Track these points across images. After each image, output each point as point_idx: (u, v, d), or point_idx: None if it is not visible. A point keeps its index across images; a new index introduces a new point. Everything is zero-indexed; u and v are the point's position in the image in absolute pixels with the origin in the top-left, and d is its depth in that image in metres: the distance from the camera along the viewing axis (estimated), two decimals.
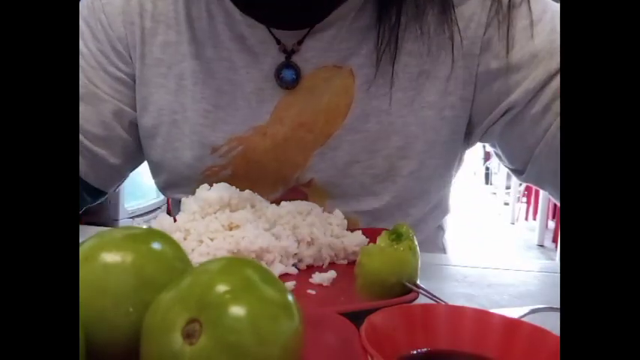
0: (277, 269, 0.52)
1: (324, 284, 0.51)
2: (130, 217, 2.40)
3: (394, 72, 0.63)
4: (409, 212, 0.68)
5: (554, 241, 3.70)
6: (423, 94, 0.63)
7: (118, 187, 0.76)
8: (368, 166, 0.65)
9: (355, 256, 0.53)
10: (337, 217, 0.60)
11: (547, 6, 0.62)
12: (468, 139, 0.69)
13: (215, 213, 0.56)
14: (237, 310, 0.27)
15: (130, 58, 0.67)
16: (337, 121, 0.64)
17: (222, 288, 0.27)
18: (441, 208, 0.75)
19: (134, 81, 0.67)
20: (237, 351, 0.26)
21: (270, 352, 0.27)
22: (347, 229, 0.60)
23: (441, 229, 0.79)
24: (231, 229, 0.54)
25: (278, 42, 0.63)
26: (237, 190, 0.59)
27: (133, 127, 0.69)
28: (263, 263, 0.51)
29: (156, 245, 0.33)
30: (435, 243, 0.77)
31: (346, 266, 0.56)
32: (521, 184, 4.32)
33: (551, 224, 3.94)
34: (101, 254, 0.31)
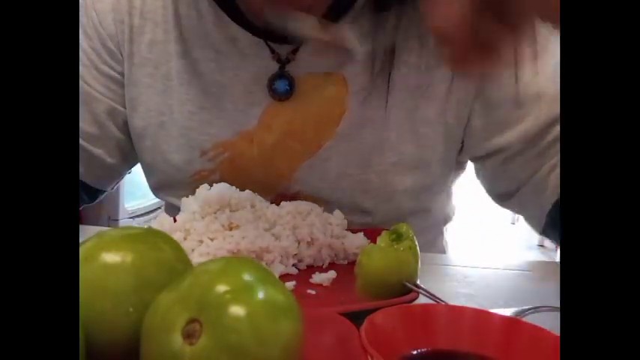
0: (277, 269, 0.52)
1: (324, 284, 0.51)
2: (130, 217, 2.40)
3: (390, 83, 0.60)
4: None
5: None
6: (420, 110, 0.61)
7: (115, 185, 0.75)
8: (360, 180, 0.63)
9: (355, 256, 0.53)
10: (337, 217, 0.60)
11: (548, 41, 0.61)
12: (461, 157, 0.67)
13: (215, 213, 0.56)
14: (237, 310, 0.27)
15: (121, 55, 0.65)
16: (328, 131, 0.62)
17: (222, 288, 0.27)
18: (440, 218, 0.74)
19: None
20: (237, 351, 0.26)
21: (270, 352, 0.27)
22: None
23: (440, 232, 0.78)
24: (231, 229, 0.54)
25: (272, 51, 0.61)
26: (237, 190, 0.59)
27: (127, 126, 0.67)
28: (263, 263, 0.51)
29: (156, 245, 0.33)
30: (434, 244, 0.77)
31: (346, 266, 0.56)
32: None
33: None
34: (101, 254, 0.31)
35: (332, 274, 0.52)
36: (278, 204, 0.59)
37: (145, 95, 0.65)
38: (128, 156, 0.70)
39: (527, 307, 0.43)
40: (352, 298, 0.47)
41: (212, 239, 0.52)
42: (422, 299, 0.43)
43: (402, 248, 0.44)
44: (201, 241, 0.52)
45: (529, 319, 0.41)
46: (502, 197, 0.65)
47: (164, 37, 0.63)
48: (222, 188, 0.58)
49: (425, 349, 0.32)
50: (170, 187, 0.68)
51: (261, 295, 0.28)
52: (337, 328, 0.35)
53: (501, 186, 0.64)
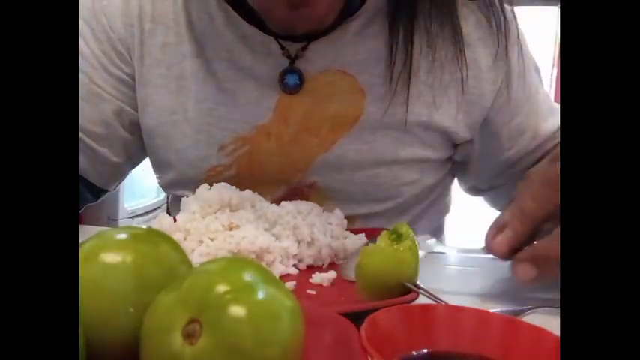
0: (277, 269, 0.52)
1: (324, 284, 0.51)
2: (130, 217, 2.40)
3: (409, 94, 0.63)
4: (408, 212, 0.70)
5: None
6: (434, 120, 0.65)
7: (118, 185, 0.76)
8: (373, 175, 0.66)
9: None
10: (337, 217, 0.60)
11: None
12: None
13: (215, 213, 0.56)
14: (237, 311, 0.27)
15: (131, 58, 0.67)
16: (343, 130, 0.65)
17: (222, 288, 0.27)
18: (440, 206, 0.76)
19: (135, 81, 0.67)
20: (237, 351, 0.26)
21: (270, 353, 0.27)
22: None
23: (440, 230, 0.79)
24: (231, 229, 0.54)
25: (282, 48, 0.64)
26: (238, 190, 0.59)
27: (134, 126, 0.69)
28: (263, 263, 0.51)
29: (156, 245, 0.33)
30: (437, 233, 0.78)
31: None
32: None
33: None
34: (101, 254, 0.31)
35: (332, 274, 0.52)
36: (278, 203, 0.59)
37: (157, 95, 0.66)
38: (133, 156, 0.72)
39: (526, 307, 0.43)
40: (352, 298, 0.47)
41: (212, 239, 0.52)
42: (422, 299, 0.43)
43: (402, 248, 0.44)
44: (201, 242, 0.52)
45: (529, 318, 0.41)
46: (475, 191, 0.77)
47: (176, 39, 0.66)
48: (222, 188, 0.58)
49: (425, 349, 0.32)
50: (182, 184, 0.69)
51: (261, 295, 0.28)
52: (337, 328, 0.35)
53: (476, 182, 0.74)
